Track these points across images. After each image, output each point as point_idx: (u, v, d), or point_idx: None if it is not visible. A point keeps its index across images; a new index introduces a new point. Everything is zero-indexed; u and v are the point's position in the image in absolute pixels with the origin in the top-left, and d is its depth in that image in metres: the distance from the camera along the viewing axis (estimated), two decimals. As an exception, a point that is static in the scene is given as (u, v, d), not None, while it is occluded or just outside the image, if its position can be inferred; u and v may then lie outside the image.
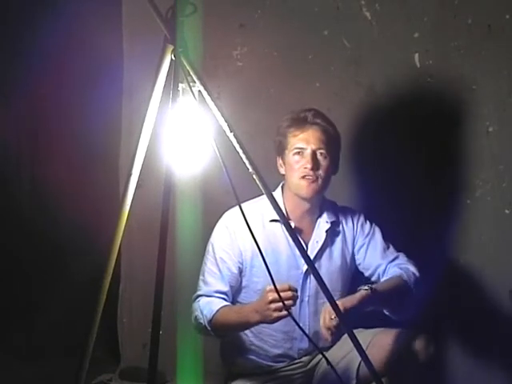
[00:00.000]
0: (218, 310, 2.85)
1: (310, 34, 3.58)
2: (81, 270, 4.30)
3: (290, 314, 2.50)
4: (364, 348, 2.46)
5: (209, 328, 2.86)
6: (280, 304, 2.54)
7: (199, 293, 2.96)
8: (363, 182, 3.58)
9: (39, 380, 3.87)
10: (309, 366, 3.06)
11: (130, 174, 2.27)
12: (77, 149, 4.75)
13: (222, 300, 2.92)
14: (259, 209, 2.96)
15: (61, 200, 4.64)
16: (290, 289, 2.57)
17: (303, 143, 2.90)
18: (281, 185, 3.04)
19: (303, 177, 2.90)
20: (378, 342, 2.93)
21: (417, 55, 3.51)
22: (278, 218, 2.80)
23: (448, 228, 3.54)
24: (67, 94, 4.69)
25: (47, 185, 4.83)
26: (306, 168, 2.89)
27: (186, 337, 3.58)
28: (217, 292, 2.93)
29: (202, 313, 2.88)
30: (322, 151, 2.91)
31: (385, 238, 3.11)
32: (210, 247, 2.99)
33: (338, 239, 3.07)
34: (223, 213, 3.02)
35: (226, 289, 2.94)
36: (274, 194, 2.86)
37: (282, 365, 3.05)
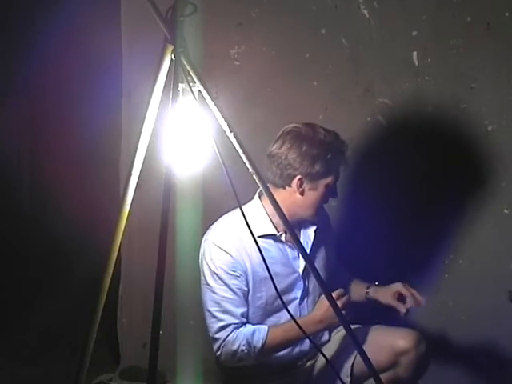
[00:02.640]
0: (267, 335, 2.82)
1: (308, 32, 3.57)
2: (81, 269, 4.31)
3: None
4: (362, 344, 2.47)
5: (254, 356, 2.82)
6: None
7: (223, 324, 2.82)
8: (361, 181, 3.57)
9: (39, 380, 3.87)
10: (307, 365, 3.07)
11: (130, 174, 2.27)
12: (77, 149, 4.77)
13: (260, 325, 2.87)
14: (242, 222, 2.68)
15: (61, 200, 4.65)
16: (344, 294, 2.71)
17: (338, 176, 2.88)
18: (257, 195, 2.92)
19: (322, 206, 2.93)
20: (370, 340, 2.96)
21: (415, 53, 3.51)
22: (265, 233, 2.84)
23: (447, 228, 3.54)
24: (67, 94, 4.70)
25: (47, 185, 4.84)
26: (330, 199, 2.91)
27: (185, 337, 3.59)
28: (242, 315, 2.85)
29: (249, 344, 2.80)
30: None
31: None
32: (213, 276, 2.84)
33: (324, 237, 3.06)
34: (222, 213, 2.95)
35: (246, 308, 2.87)
36: (252, 205, 2.88)
37: (280, 366, 3.02)
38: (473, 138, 3.50)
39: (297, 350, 3.00)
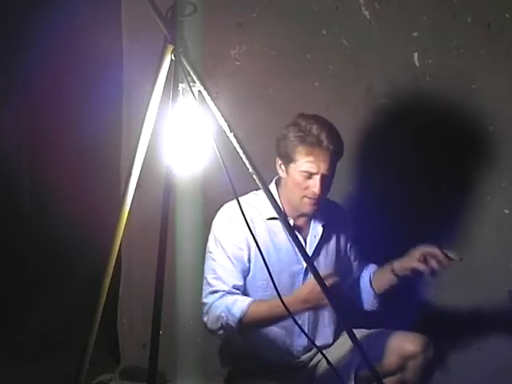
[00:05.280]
0: (248, 307, 2.81)
1: (309, 33, 3.57)
2: (81, 269, 4.31)
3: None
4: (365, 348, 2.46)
5: (235, 326, 2.80)
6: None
7: (213, 289, 2.88)
8: (363, 181, 3.58)
9: (39, 380, 3.87)
10: (309, 366, 3.07)
11: (129, 174, 2.27)
12: (77, 149, 4.77)
13: (245, 296, 2.87)
14: (257, 206, 2.93)
15: (61, 200, 4.65)
16: (331, 275, 2.66)
17: (314, 168, 2.82)
18: (274, 180, 2.99)
19: (308, 197, 2.87)
20: (377, 344, 2.95)
21: (416, 54, 3.51)
22: (275, 216, 2.82)
23: (448, 228, 3.54)
24: (67, 94, 4.71)
25: (47, 185, 4.84)
26: (313, 191, 2.84)
27: (185, 337, 3.59)
28: (234, 287, 2.88)
29: (229, 311, 2.81)
30: (328, 173, 2.86)
31: None
32: (216, 243, 2.92)
33: (334, 233, 3.08)
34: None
35: (241, 283, 2.90)
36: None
37: (281, 364, 3.03)
38: (474, 138, 3.50)
39: (295, 343, 3.01)
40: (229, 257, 2.88)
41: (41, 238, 4.96)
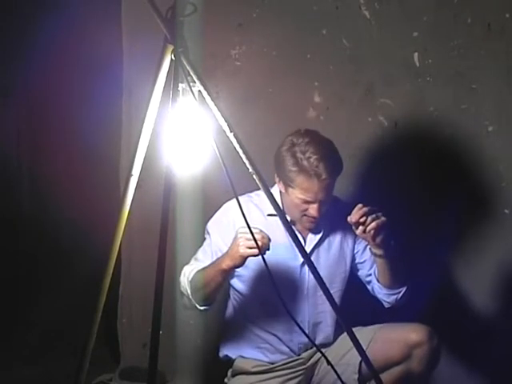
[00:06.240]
0: (197, 270, 2.89)
1: (309, 33, 3.57)
2: (81, 269, 4.31)
3: (260, 254, 2.51)
4: (365, 345, 2.46)
5: (189, 289, 2.88)
6: (251, 242, 2.60)
7: (187, 265, 2.99)
8: (362, 181, 3.57)
9: (39, 380, 3.87)
10: (309, 363, 3.07)
11: (130, 175, 2.27)
12: (77, 149, 4.76)
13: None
14: (259, 203, 2.97)
15: (61, 200, 4.65)
16: (261, 231, 2.67)
17: (312, 198, 2.85)
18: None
19: (308, 216, 2.91)
20: (381, 337, 2.97)
21: (416, 54, 3.51)
22: (273, 212, 2.83)
23: (448, 228, 3.53)
24: (67, 94, 4.70)
25: (47, 184, 4.84)
26: (311, 214, 2.88)
27: (185, 337, 3.59)
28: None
29: (184, 276, 2.92)
30: (326, 199, 2.88)
31: None
32: (206, 230, 3.03)
33: (337, 233, 3.08)
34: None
35: None
36: (272, 189, 2.90)
37: (281, 361, 3.05)
38: (473, 138, 3.51)
39: (295, 339, 3.03)
40: (212, 251, 2.95)
41: (41, 237, 4.96)
